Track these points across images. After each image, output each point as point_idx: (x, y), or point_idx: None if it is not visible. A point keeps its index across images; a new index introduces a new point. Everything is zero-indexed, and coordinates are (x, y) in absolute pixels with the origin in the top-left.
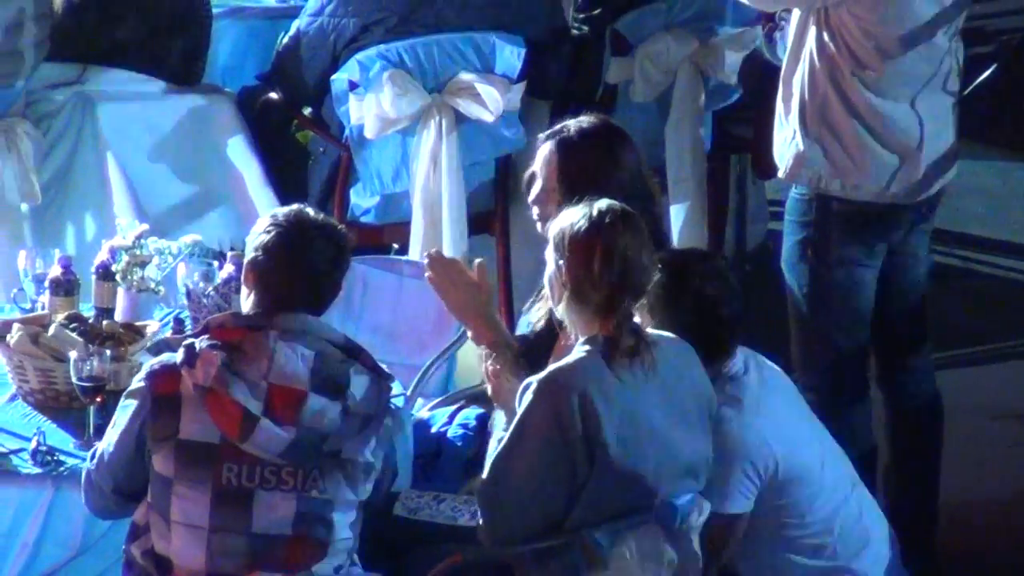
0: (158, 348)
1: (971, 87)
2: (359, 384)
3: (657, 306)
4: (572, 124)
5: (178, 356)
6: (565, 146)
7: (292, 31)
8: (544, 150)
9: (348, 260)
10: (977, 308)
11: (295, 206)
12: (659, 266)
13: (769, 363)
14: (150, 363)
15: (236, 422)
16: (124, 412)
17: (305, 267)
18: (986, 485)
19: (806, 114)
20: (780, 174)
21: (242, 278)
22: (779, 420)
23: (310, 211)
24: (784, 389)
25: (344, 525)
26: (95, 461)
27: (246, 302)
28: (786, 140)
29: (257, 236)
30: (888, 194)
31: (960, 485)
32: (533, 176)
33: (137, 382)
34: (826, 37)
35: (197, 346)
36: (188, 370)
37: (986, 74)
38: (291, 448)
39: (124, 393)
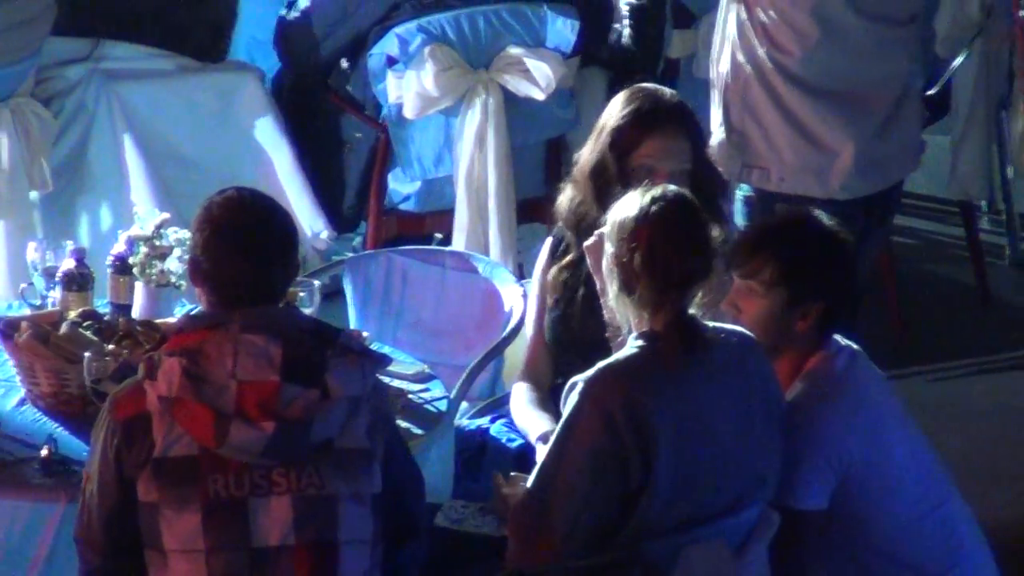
0: (122, 373)
1: (941, 80)
2: (338, 366)
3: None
4: (664, 96)
5: (140, 372)
6: (690, 121)
7: (304, 1)
8: (665, 129)
9: (296, 239)
10: None
11: (229, 192)
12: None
13: (869, 361)
14: (113, 392)
15: (208, 427)
16: (94, 455)
17: (251, 260)
18: None
19: (729, 100)
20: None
21: (190, 278)
22: (868, 419)
23: (245, 195)
24: (881, 390)
25: (354, 522)
26: (83, 524)
27: (201, 302)
28: (716, 129)
29: (194, 234)
30: (821, 190)
31: None
32: (644, 165)
33: (101, 416)
34: (743, 13)
35: (156, 357)
36: (151, 383)
37: (955, 64)
38: (273, 445)
39: (92, 436)
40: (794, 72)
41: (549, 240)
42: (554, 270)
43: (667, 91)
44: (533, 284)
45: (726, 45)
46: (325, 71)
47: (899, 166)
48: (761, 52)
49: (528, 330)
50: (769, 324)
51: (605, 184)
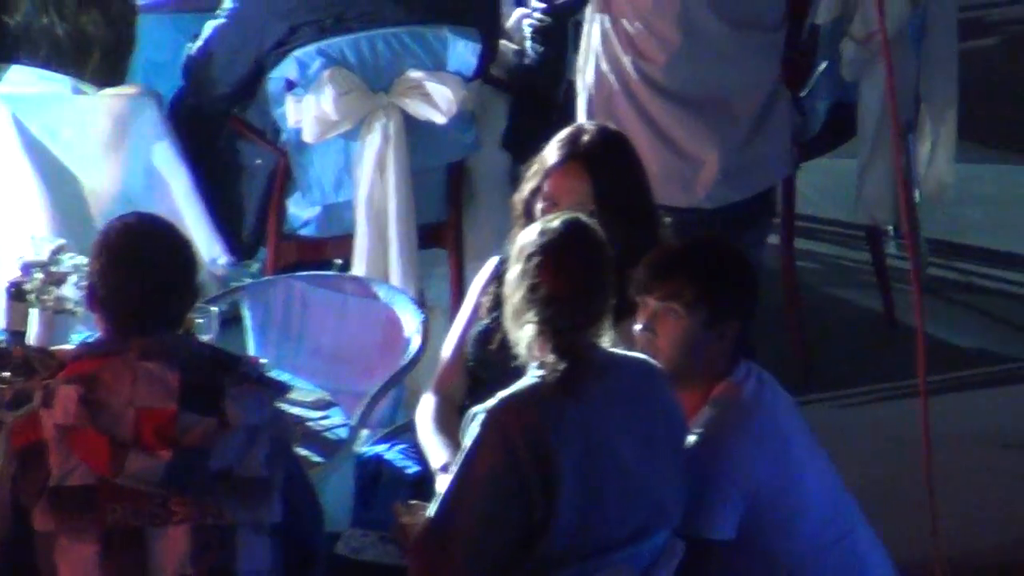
0: (17, 400)
1: (808, 85)
2: (237, 395)
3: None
4: (584, 136)
5: (36, 400)
6: (597, 163)
7: (206, 32)
8: (566, 168)
9: (196, 265)
10: (978, 325)
11: (128, 218)
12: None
13: (778, 386)
14: (9, 420)
15: (105, 456)
16: None
17: (149, 287)
18: (988, 523)
19: (594, 111)
20: None
21: (87, 305)
22: (776, 445)
23: (144, 221)
24: (790, 415)
25: (253, 552)
26: None
27: (99, 328)
28: None
29: (91, 260)
30: (686, 200)
31: (960, 524)
32: (549, 199)
33: None
34: (607, 22)
35: (52, 385)
36: (47, 411)
37: (820, 69)
38: (170, 474)
39: None
40: (658, 81)
41: (495, 259)
42: (494, 286)
43: (599, 131)
44: (468, 297)
45: (591, 55)
46: (231, 100)
47: (767, 173)
48: (625, 61)
49: (450, 342)
50: (689, 345)
51: (527, 217)
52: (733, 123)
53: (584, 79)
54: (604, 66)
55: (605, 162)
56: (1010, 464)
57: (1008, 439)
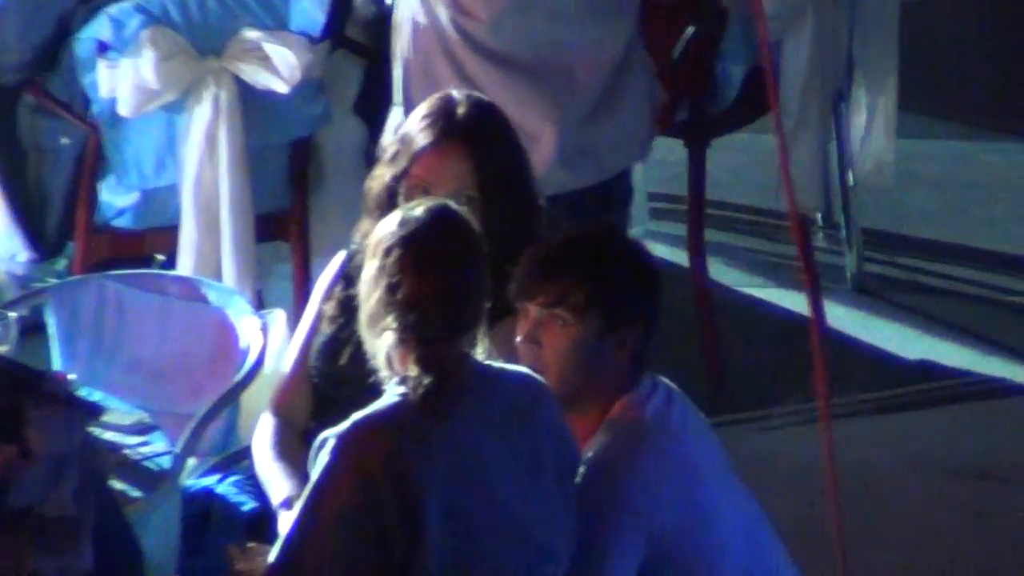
0: None
1: (678, 49)
2: (40, 418)
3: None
4: (458, 108)
5: None
6: (477, 140)
7: None
8: (441, 148)
9: None
10: (922, 331)
11: None
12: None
13: (690, 405)
14: None
15: None
16: None
17: None
18: (930, 566)
19: (411, 78)
20: None
21: None
22: (685, 476)
23: None
24: (703, 441)
25: None
26: None
27: None
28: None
29: None
30: None
31: (911, 553)
32: (419, 186)
33: None
34: None
35: None
36: None
37: (687, 33)
38: None
39: None
40: (481, 41)
41: (342, 254)
42: (340, 287)
43: (473, 102)
44: (312, 300)
45: (406, 10)
46: (31, 67)
47: (618, 155)
48: (444, 18)
49: (291, 353)
50: (581, 357)
51: (389, 208)
52: (574, 94)
53: (400, 39)
54: (422, 22)
55: (487, 138)
56: (956, 496)
57: (954, 467)
